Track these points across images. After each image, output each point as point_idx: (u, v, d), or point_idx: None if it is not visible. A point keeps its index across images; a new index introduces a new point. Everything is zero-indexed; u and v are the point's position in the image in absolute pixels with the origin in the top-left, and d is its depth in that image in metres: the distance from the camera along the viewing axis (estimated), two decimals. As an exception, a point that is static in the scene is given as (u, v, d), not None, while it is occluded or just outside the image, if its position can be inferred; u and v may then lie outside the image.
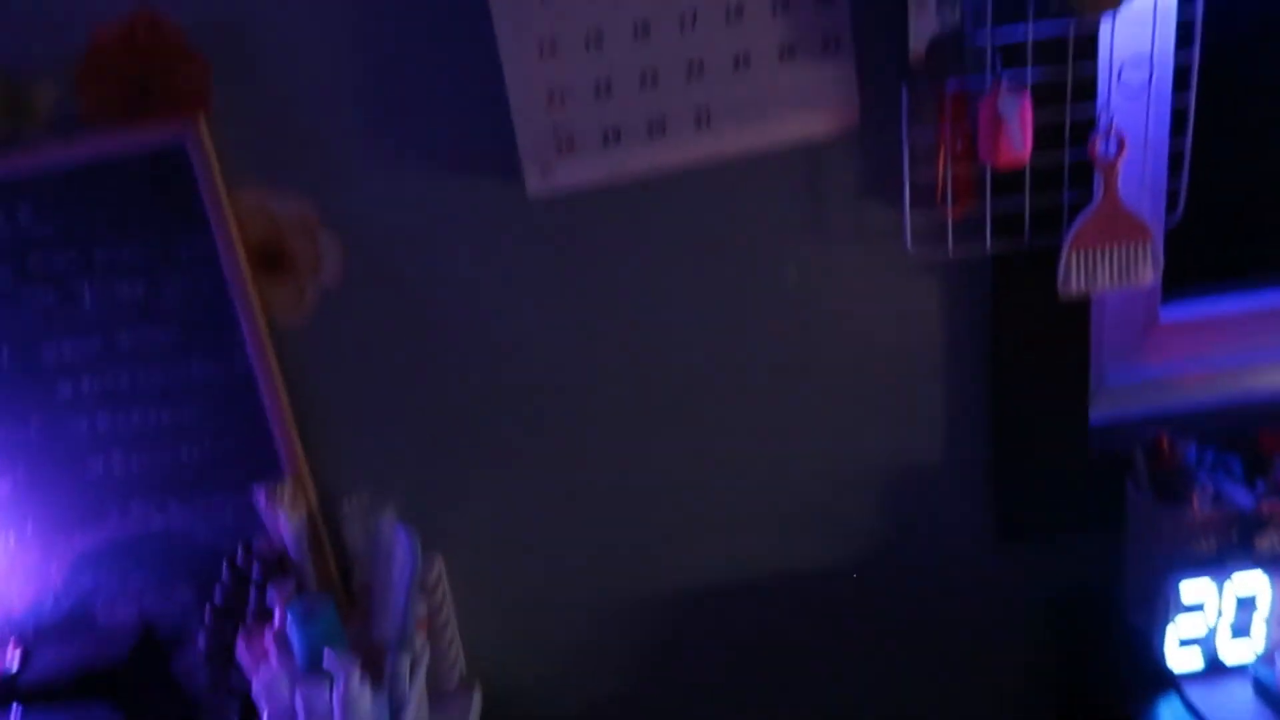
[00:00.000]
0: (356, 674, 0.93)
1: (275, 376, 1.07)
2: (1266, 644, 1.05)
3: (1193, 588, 1.04)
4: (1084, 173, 1.04)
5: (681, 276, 1.11)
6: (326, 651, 0.94)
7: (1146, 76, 1.00)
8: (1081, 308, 1.12)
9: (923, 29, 0.96)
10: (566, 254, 1.09)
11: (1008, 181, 1.05)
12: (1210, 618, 1.05)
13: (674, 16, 0.97)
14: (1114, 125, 1.01)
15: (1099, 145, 1.03)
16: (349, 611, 1.09)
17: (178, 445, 1.09)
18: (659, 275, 1.10)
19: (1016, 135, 0.98)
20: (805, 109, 1.00)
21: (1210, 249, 1.24)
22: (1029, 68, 1.00)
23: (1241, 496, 1.05)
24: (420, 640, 1.05)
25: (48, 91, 1.00)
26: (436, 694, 1.16)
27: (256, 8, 0.99)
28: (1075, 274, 1.05)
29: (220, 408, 1.09)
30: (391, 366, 1.13)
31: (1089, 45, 1.01)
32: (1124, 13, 0.95)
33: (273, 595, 1.02)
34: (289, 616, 0.96)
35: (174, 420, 1.08)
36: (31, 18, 0.99)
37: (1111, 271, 1.05)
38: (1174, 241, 1.11)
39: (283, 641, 0.98)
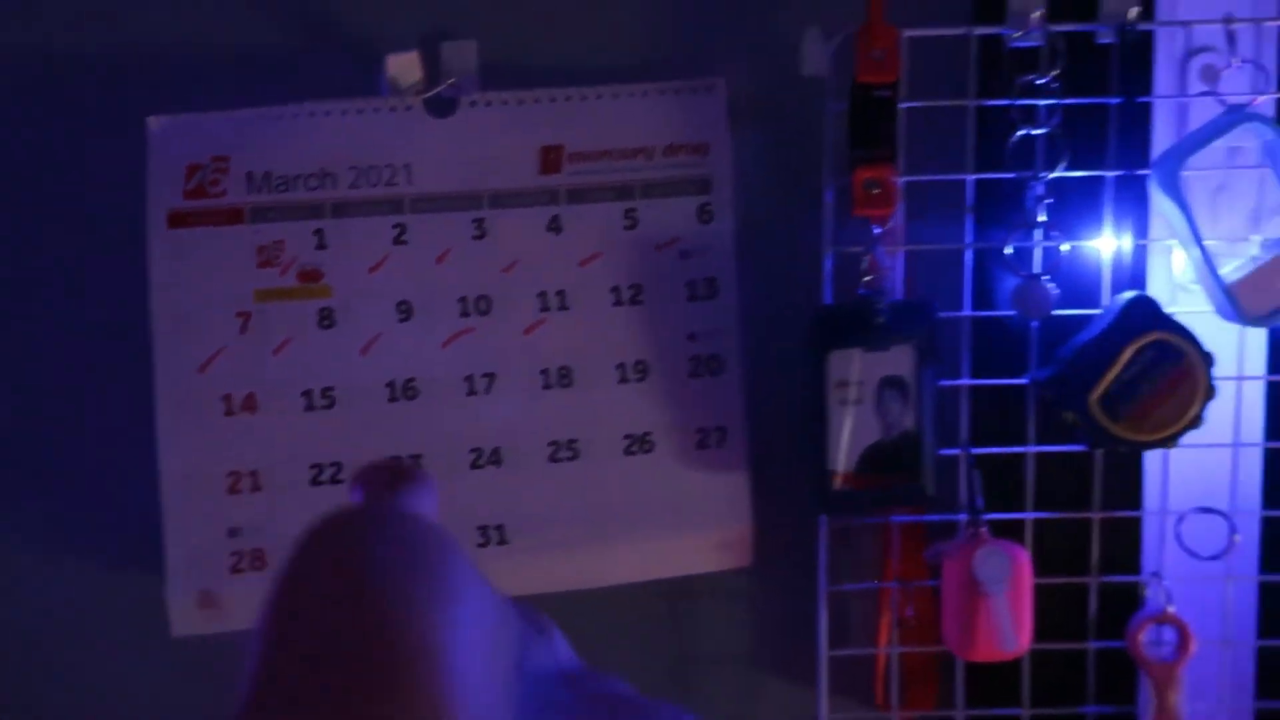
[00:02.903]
0: None
1: None
2: None
3: None
4: (1126, 668, 0.64)
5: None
6: None
7: (1226, 538, 0.62)
8: None
9: (856, 432, 0.60)
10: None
11: (995, 672, 0.65)
12: None
13: (457, 376, 0.62)
14: (1169, 607, 0.63)
15: (1145, 637, 0.64)
16: None
17: None
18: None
19: (1004, 618, 0.59)
20: (666, 533, 0.62)
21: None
22: (1028, 512, 0.63)
23: None
24: None
25: None
26: None
27: None
28: (1109, 846, 0.63)
29: None
30: None
31: (1125, 477, 0.65)
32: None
33: None
34: None
35: None
36: None
37: None
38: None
39: None
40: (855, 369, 0.58)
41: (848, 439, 0.59)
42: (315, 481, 0.60)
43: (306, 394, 0.60)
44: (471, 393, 0.60)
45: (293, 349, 0.59)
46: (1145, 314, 0.57)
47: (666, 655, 0.68)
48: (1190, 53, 0.60)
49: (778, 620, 0.66)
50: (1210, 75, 0.61)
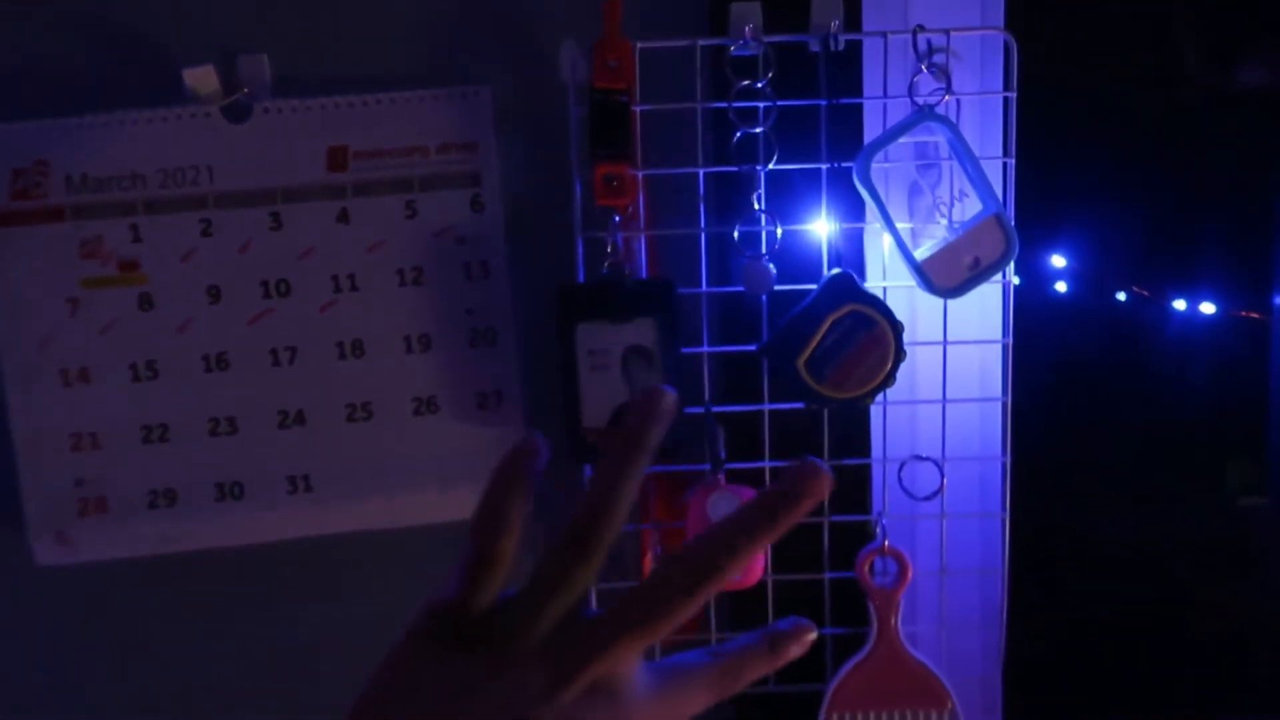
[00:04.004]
0: None
1: None
2: None
3: None
4: (857, 595, 0.74)
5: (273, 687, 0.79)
6: None
7: (938, 481, 0.72)
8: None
9: (605, 394, 0.69)
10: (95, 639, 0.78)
11: (746, 600, 0.75)
12: None
13: (263, 349, 0.71)
14: (887, 541, 0.72)
15: (870, 567, 0.73)
16: None
17: None
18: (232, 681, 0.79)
19: (734, 553, 0.69)
20: (450, 480, 0.72)
21: (1069, 694, 0.91)
22: (767, 461, 0.72)
23: None
24: None
25: None
26: None
27: None
28: (840, 746, 0.73)
29: None
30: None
31: (855, 428, 0.74)
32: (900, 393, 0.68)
33: None
34: None
35: None
36: None
37: (893, 747, 0.73)
38: (1024, 683, 0.80)
39: None
40: (602, 339, 0.67)
41: (598, 399, 0.68)
42: (146, 440, 0.70)
43: (133, 367, 0.69)
44: (276, 364, 0.70)
45: (118, 329, 0.69)
46: (844, 289, 0.65)
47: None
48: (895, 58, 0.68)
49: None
50: (928, 75, 0.69)
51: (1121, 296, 0.78)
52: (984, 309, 0.75)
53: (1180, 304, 0.75)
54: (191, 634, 0.78)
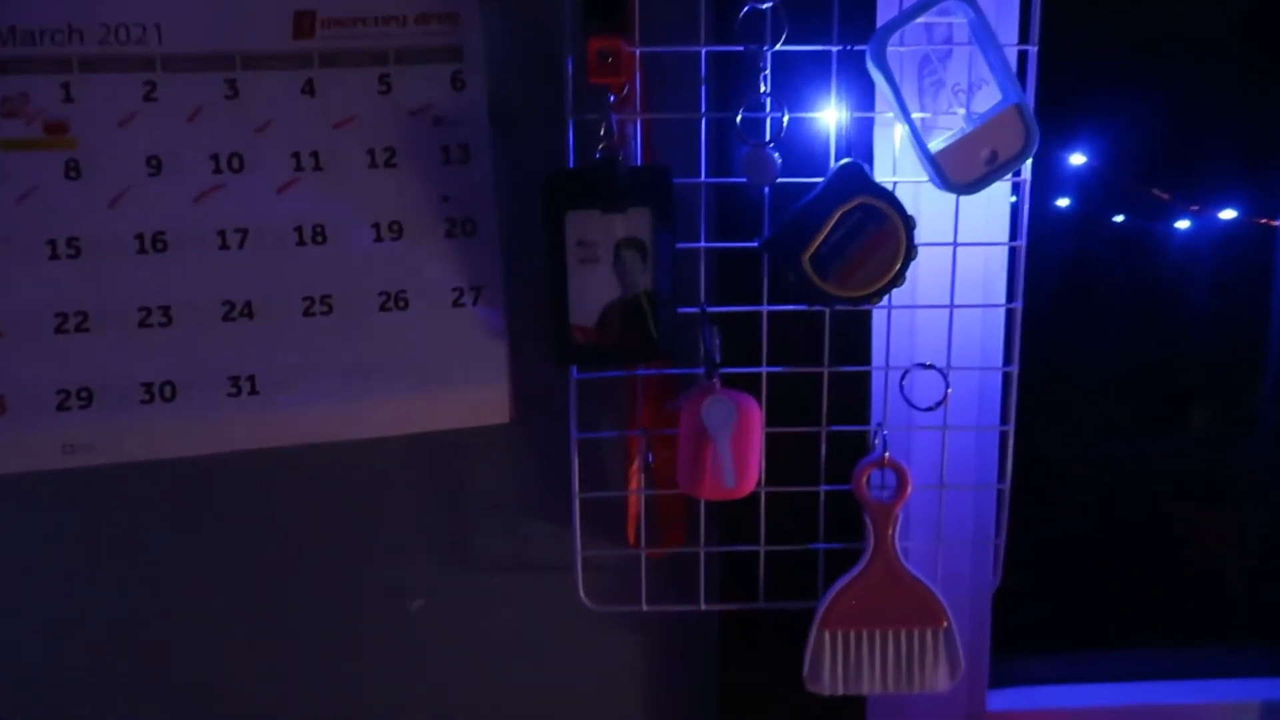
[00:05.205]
0: None
1: None
2: None
3: None
4: (854, 509, 0.71)
5: (237, 600, 0.73)
6: None
7: (941, 390, 0.68)
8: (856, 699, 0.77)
9: (595, 290, 0.64)
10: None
11: (738, 513, 0.71)
12: None
13: (209, 231, 0.64)
14: (888, 454, 0.69)
15: (867, 480, 0.70)
16: None
17: None
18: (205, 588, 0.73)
19: (726, 460, 0.65)
20: (420, 386, 0.67)
21: (1055, 617, 0.90)
22: (764, 366, 0.68)
23: None
24: None
25: None
26: None
27: None
28: (830, 667, 0.70)
29: None
30: None
31: (856, 336, 0.70)
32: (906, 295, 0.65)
33: None
34: None
35: None
36: None
37: (884, 667, 0.70)
38: (1010, 605, 0.78)
39: None
40: (593, 230, 0.62)
41: (587, 296, 0.63)
42: (60, 330, 0.62)
43: (51, 243, 0.61)
44: (224, 247, 0.63)
45: (38, 198, 0.61)
46: (853, 180, 0.61)
47: (438, 505, 0.72)
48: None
49: (538, 469, 0.71)
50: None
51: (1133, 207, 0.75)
52: (990, 210, 0.72)
53: (1195, 210, 0.72)
54: (111, 561, 0.71)
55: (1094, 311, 0.82)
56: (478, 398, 0.66)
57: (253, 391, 0.64)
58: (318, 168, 0.63)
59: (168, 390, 0.64)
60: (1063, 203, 0.77)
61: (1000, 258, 0.72)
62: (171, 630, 0.72)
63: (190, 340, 0.63)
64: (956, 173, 0.62)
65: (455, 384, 0.66)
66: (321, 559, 0.71)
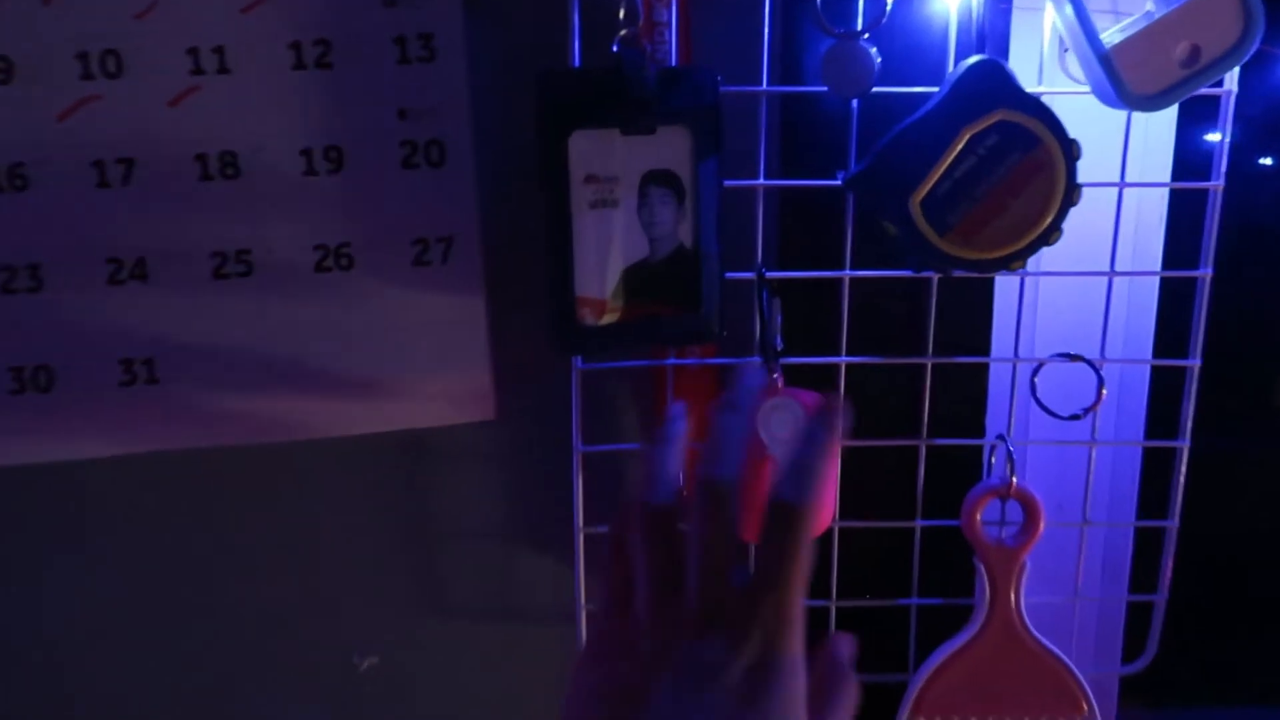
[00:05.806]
0: None
1: None
2: None
3: None
4: (965, 559, 0.52)
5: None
6: None
7: (1093, 393, 0.49)
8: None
9: (612, 246, 0.46)
10: None
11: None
12: None
13: (82, 160, 0.46)
14: (1014, 480, 0.50)
15: (984, 516, 0.52)
16: None
17: None
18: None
19: (796, 491, 0.47)
20: (377, 376, 0.49)
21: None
22: (843, 356, 0.49)
23: None
24: None
25: None
26: None
27: None
28: (926, 762, 0.52)
29: None
30: None
31: (973, 316, 0.51)
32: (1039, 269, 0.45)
33: None
34: None
35: None
36: None
37: (1000, 763, 0.52)
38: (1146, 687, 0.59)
39: None
40: (609, 159, 0.44)
41: (601, 255, 0.45)
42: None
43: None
44: (103, 183, 0.46)
45: None
46: (989, 86, 0.42)
47: (405, 527, 0.55)
48: None
49: (530, 486, 0.54)
50: None
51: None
52: (1147, 145, 0.52)
53: None
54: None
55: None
56: (448, 388, 0.49)
57: (150, 380, 0.48)
58: (223, 69, 0.45)
59: (41, 378, 0.47)
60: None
61: (1159, 211, 0.53)
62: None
63: (66, 312, 0.46)
64: (1138, 79, 0.43)
65: (418, 370, 0.48)
66: (239, 601, 0.55)
